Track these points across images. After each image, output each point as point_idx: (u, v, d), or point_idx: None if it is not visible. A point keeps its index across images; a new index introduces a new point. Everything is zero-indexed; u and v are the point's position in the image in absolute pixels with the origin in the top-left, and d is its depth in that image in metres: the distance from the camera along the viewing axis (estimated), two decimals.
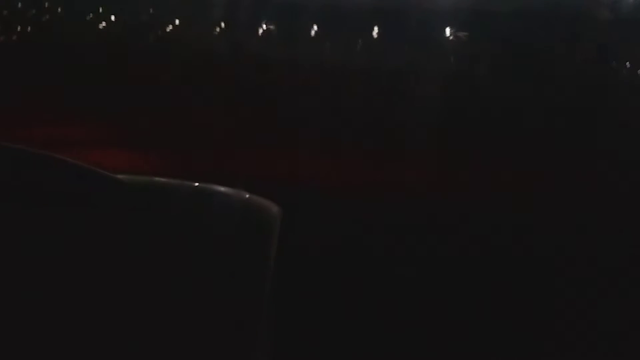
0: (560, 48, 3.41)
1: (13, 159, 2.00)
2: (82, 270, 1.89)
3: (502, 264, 2.89)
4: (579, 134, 3.21)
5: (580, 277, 2.86)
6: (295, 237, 2.14)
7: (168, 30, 4.00)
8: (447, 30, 3.27)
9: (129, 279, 1.90)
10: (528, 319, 2.78)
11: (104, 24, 4.27)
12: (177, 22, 4.01)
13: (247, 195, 2.11)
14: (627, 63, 3.57)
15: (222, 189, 2.13)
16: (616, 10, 3.37)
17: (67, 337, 1.83)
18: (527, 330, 2.78)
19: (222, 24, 3.81)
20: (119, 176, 2.04)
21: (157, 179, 2.14)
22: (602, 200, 3.04)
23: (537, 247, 2.95)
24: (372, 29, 3.28)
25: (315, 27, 3.40)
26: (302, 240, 2.25)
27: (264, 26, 3.48)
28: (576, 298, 2.84)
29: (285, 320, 2.10)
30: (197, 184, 2.14)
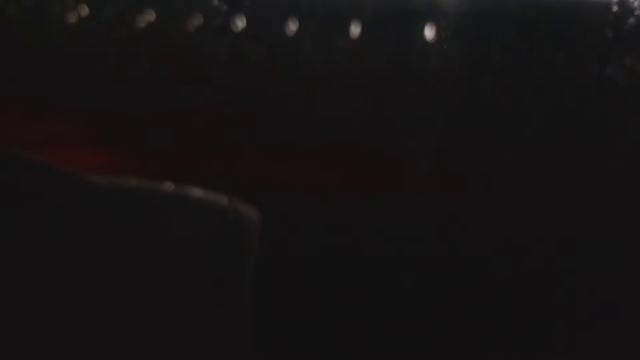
0: (559, 54, 3.43)
1: None
2: (52, 275, 1.88)
3: (501, 270, 2.87)
4: (577, 138, 3.23)
5: (580, 286, 2.86)
6: (277, 242, 2.13)
7: (145, 25, 3.98)
8: (441, 30, 3.26)
9: (100, 284, 1.90)
10: (527, 326, 2.77)
11: (76, 18, 4.25)
12: (154, 17, 4.01)
13: (226, 199, 2.10)
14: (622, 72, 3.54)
15: (200, 192, 2.13)
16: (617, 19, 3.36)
17: (42, 344, 1.82)
18: (527, 335, 2.79)
19: (202, 20, 3.79)
20: (93, 177, 2.03)
21: (133, 180, 2.13)
22: (602, 203, 3.03)
23: (538, 252, 2.94)
24: (363, 27, 3.27)
25: (295, 23, 3.38)
26: (284, 245, 2.23)
27: (245, 22, 3.46)
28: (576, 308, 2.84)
29: (269, 327, 2.09)
30: (174, 186, 2.13)
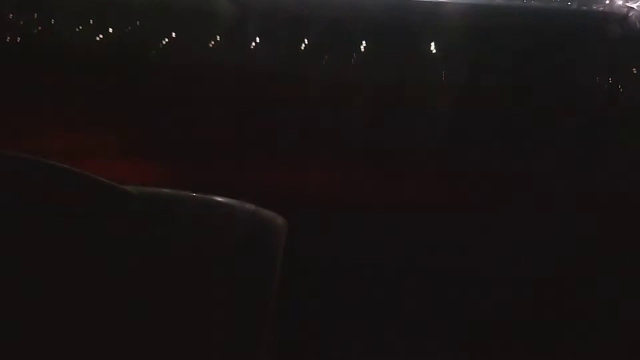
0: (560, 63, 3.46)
1: (16, 166, 2.04)
2: (82, 280, 1.95)
3: (500, 280, 2.95)
4: (577, 149, 3.26)
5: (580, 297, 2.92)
6: (302, 249, 2.17)
7: (168, 42, 4.06)
8: (441, 44, 3.29)
9: (130, 289, 1.97)
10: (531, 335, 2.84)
11: (101, 36, 4.34)
12: (174, 35, 4.09)
13: (253, 207, 2.15)
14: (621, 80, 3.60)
15: (227, 200, 2.17)
16: (623, 26, 3.39)
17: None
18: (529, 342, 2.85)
19: (220, 37, 3.87)
20: (126, 187, 2.09)
21: (163, 190, 2.18)
22: (608, 207, 3.09)
23: (537, 263, 3.01)
24: (367, 42, 3.32)
25: (308, 41, 3.44)
26: (309, 252, 2.30)
27: (260, 39, 3.54)
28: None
29: (291, 333, 2.13)
30: (202, 195, 2.18)
